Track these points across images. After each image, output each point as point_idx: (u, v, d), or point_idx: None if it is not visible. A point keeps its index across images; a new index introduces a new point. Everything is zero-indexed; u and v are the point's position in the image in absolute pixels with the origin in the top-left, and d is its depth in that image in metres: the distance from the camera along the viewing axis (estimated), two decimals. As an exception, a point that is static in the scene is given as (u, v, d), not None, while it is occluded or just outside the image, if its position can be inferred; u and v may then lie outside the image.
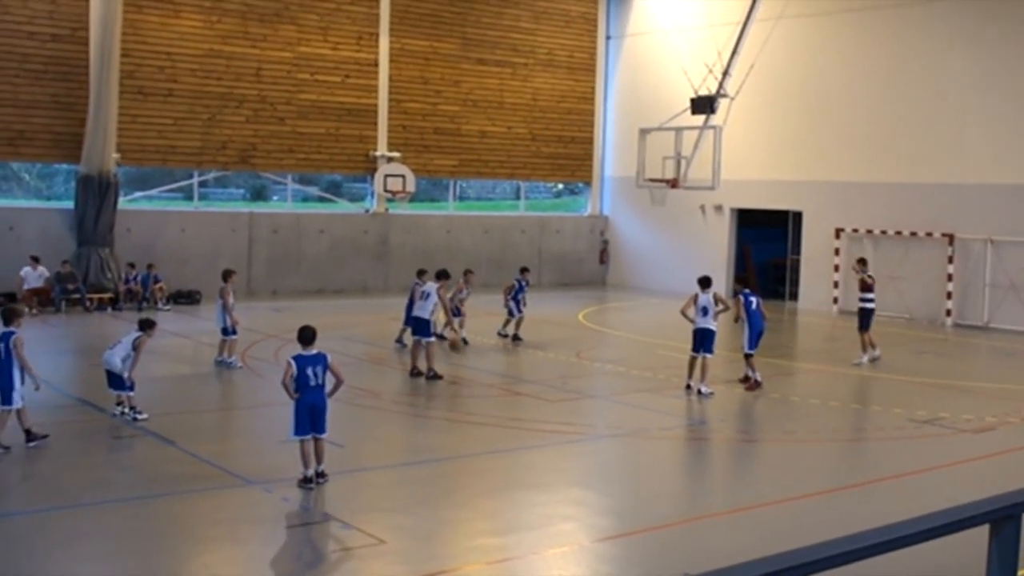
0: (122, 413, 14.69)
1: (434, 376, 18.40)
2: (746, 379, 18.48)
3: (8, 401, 12.93)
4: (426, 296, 19.07)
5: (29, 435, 13.09)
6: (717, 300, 18.22)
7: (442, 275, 19.82)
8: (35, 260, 26.31)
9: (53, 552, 9.53)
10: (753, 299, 18.41)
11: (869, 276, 22.05)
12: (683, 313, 18.28)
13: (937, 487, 12.59)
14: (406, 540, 10.21)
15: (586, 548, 10.27)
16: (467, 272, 23.54)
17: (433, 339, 18.94)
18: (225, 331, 19.17)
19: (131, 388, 14.74)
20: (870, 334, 21.67)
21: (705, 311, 17.97)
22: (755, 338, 18.27)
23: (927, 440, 15.17)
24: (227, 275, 19.77)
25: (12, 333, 13.02)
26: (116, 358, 14.68)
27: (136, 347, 14.76)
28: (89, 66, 27.97)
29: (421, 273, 20.24)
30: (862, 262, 22.41)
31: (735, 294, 19.33)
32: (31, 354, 13.42)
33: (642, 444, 14.87)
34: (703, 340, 17.87)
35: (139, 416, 14.58)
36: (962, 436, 15.39)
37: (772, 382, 18.86)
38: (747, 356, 18.37)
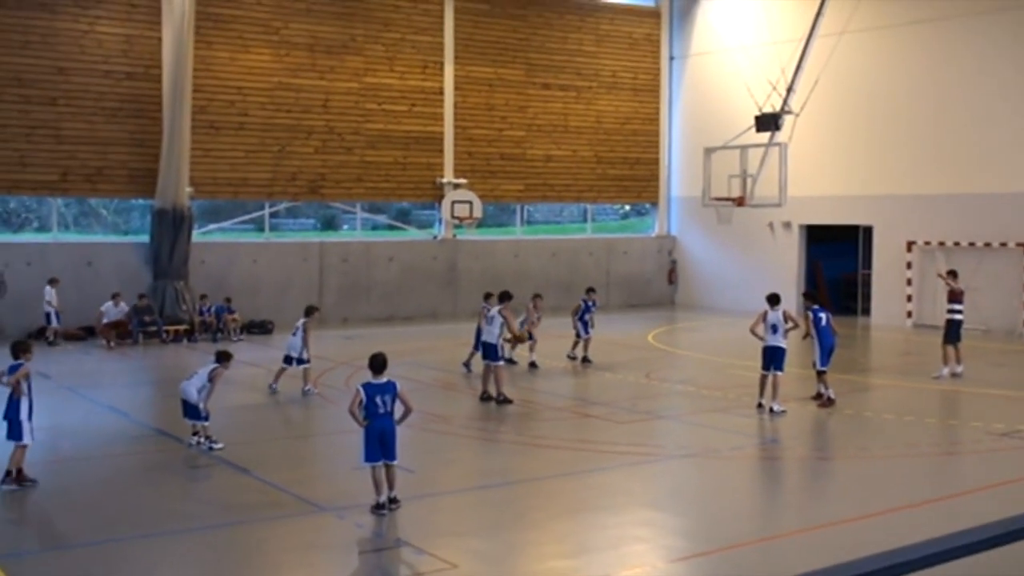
0: (198, 443, 14.95)
1: (504, 400, 18.47)
2: (819, 396, 18.31)
3: (17, 436, 12.86)
4: (492, 320, 19.17)
5: (15, 475, 12.77)
6: (787, 317, 18.07)
7: (504, 296, 19.88)
8: (116, 296, 26.87)
9: (134, 579, 9.74)
10: (823, 315, 18.24)
11: (959, 287, 21.64)
12: (752, 331, 18.17)
13: (1018, 501, 12.36)
14: (478, 564, 10.26)
15: (658, 569, 10.23)
16: (536, 296, 23.62)
17: (502, 363, 19.02)
18: (300, 361, 19.45)
19: (206, 418, 15.00)
20: (958, 348, 21.28)
21: (775, 328, 17.85)
22: (826, 354, 18.10)
23: (1006, 453, 14.89)
24: (312, 311, 20.22)
25: (20, 365, 12.99)
26: (192, 388, 14.96)
27: (212, 378, 15.04)
28: (162, 102, 28.66)
29: (488, 296, 20.35)
30: (952, 273, 22.06)
31: (804, 310, 19.16)
32: (109, 387, 13.66)
33: (713, 464, 14.78)
34: (773, 358, 17.75)
35: (214, 446, 14.82)
36: (1042, 450, 15.10)
37: (845, 398, 18.66)
38: (820, 373, 18.21)
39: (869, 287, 32.50)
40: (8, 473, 12.83)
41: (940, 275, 22.95)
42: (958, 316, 21.33)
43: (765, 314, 17.99)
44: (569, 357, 23.71)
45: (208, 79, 29.77)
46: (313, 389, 19.45)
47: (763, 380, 17.94)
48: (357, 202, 33.32)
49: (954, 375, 21.04)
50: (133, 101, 28.85)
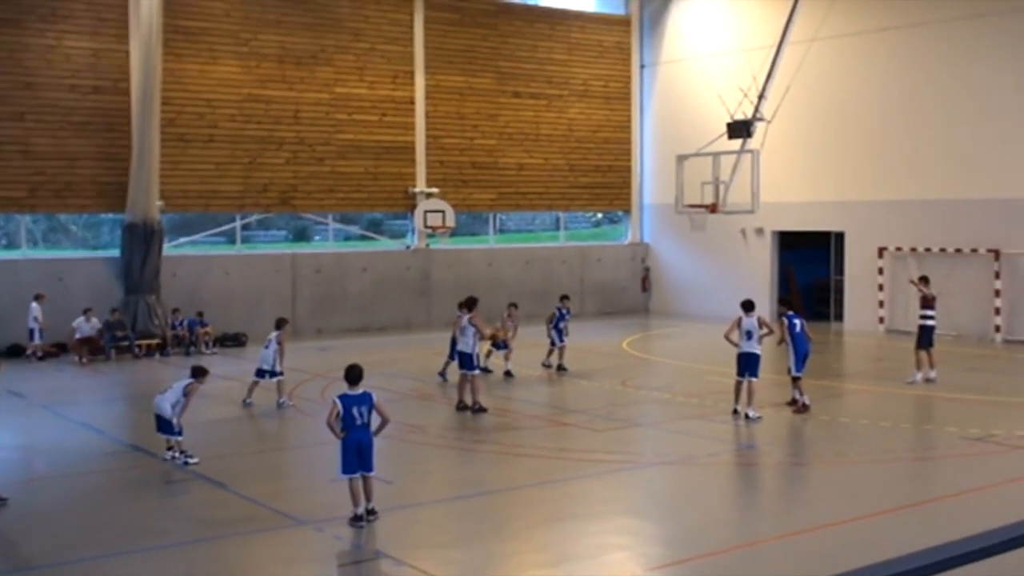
0: (172, 458, 14.81)
1: (479, 409, 18.43)
2: (794, 402, 18.36)
3: None
4: (464, 331, 19.09)
5: None
6: (761, 324, 18.12)
7: (471, 304, 19.59)
8: (87, 311, 26.63)
9: (110, 597, 9.62)
10: (797, 321, 18.32)
11: (931, 293, 21.74)
12: (727, 338, 18.20)
13: (996, 505, 12.42)
14: (458, 575, 10.20)
15: (639, 577, 10.23)
16: (511, 305, 23.57)
17: (477, 372, 18.95)
18: (273, 373, 19.34)
19: (179, 433, 14.86)
20: (931, 354, 21.37)
21: (749, 335, 17.90)
22: (801, 360, 18.17)
23: (982, 458, 14.97)
24: (283, 323, 20.10)
25: None
26: (166, 403, 14.83)
27: (187, 393, 14.92)
28: (131, 116, 28.46)
29: (461, 306, 20.25)
30: (924, 280, 22.17)
31: (779, 316, 19.22)
32: (82, 404, 13.53)
33: (691, 471, 14.79)
34: (748, 364, 17.79)
35: (190, 460, 14.69)
36: (1017, 452, 15.19)
37: (820, 404, 18.72)
38: (795, 379, 18.27)
39: (841, 293, 32.66)
40: None
41: (912, 281, 23.08)
42: (930, 322, 21.43)
43: (740, 320, 18.04)
44: (544, 365, 23.69)
45: (177, 92, 29.59)
46: (288, 401, 19.34)
47: (738, 386, 17.99)
48: (329, 213, 33.20)
49: (928, 380, 21.13)
50: (101, 115, 28.63)
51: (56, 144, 28.09)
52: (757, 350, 17.91)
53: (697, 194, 29.96)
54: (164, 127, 28.97)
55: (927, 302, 21.61)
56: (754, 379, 17.76)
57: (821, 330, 31.05)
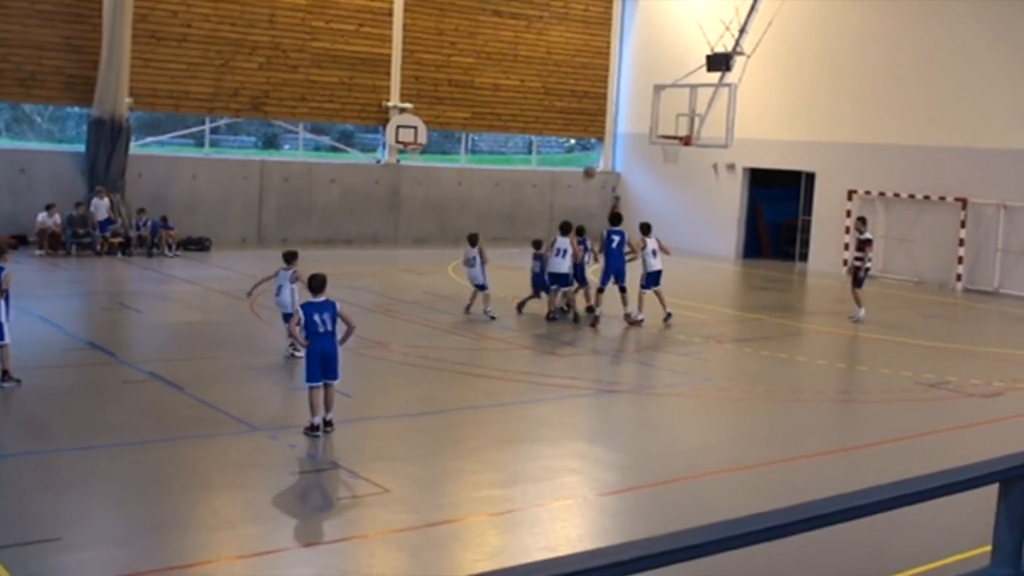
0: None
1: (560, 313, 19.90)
2: (590, 310, 20.01)
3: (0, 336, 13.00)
4: (562, 252, 19.77)
5: (4, 376, 13.10)
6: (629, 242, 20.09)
7: (567, 228, 20.44)
8: (51, 207, 26.32)
9: (63, 494, 9.60)
10: (615, 237, 19.82)
11: (864, 237, 21.98)
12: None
13: (943, 450, 12.60)
14: (411, 489, 10.26)
15: (590, 501, 10.32)
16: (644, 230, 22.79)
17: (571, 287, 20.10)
18: (483, 286, 19.95)
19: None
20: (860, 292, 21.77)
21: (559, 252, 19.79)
22: (609, 275, 19.67)
23: (934, 404, 15.17)
24: (477, 238, 20.38)
25: (1, 268, 13.05)
26: (287, 298, 15.28)
27: (295, 280, 15.20)
28: (103, 8, 27.80)
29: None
30: (861, 220, 22.47)
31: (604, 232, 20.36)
32: (41, 298, 13.44)
33: (648, 400, 14.90)
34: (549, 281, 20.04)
35: (295, 354, 14.73)
36: (970, 400, 15.39)
37: (779, 342, 18.89)
38: (598, 291, 19.84)
39: (808, 234, 32.76)
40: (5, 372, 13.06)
41: (856, 227, 23.04)
42: (868, 264, 21.89)
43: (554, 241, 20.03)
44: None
45: (151, -13, 28.94)
46: (493, 311, 19.83)
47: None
48: (300, 122, 32.78)
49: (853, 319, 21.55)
50: (72, 5, 27.94)
51: (23, 32, 27.40)
52: (564, 269, 19.72)
53: (672, 125, 29.75)
54: (136, 22, 28.36)
55: (859, 245, 21.94)
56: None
57: (785, 270, 31.31)
